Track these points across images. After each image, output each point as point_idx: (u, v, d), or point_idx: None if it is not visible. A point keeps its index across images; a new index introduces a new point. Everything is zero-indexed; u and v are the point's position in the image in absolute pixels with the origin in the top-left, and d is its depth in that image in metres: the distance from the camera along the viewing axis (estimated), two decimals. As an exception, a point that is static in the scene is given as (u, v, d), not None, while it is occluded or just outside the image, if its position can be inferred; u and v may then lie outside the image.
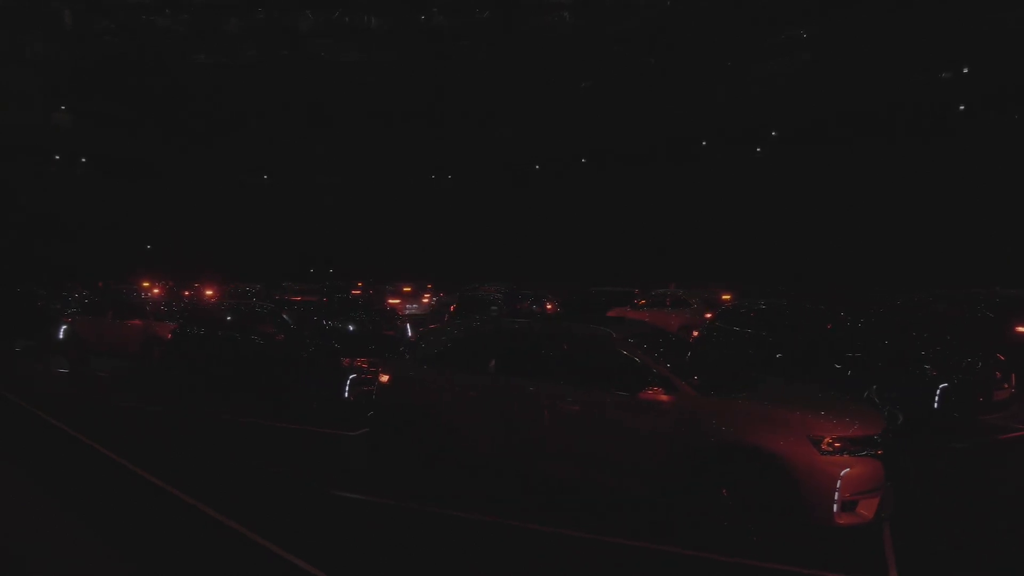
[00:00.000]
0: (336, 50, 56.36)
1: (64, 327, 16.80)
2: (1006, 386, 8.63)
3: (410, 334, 17.31)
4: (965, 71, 38.27)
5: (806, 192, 36.86)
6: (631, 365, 5.47)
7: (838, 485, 4.75)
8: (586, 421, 5.52)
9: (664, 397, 5.25)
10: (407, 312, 22.45)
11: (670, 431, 5.21)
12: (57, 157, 52.36)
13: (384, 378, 6.60)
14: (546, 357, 5.93)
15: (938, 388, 8.20)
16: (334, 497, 6.20)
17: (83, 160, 53.21)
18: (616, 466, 5.41)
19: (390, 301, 23.14)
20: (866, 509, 4.86)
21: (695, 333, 12.26)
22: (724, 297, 16.95)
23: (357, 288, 36.43)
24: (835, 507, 4.76)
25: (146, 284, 33.20)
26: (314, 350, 9.43)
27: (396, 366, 6.65)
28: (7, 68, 49.48)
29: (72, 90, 52.13)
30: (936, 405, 8.15)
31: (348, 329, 14.63)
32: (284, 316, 10.06)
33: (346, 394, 9.00)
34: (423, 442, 6.21)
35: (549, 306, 16.73)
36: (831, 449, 4.86)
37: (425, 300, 24.94)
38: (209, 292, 28.82)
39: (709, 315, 16.48)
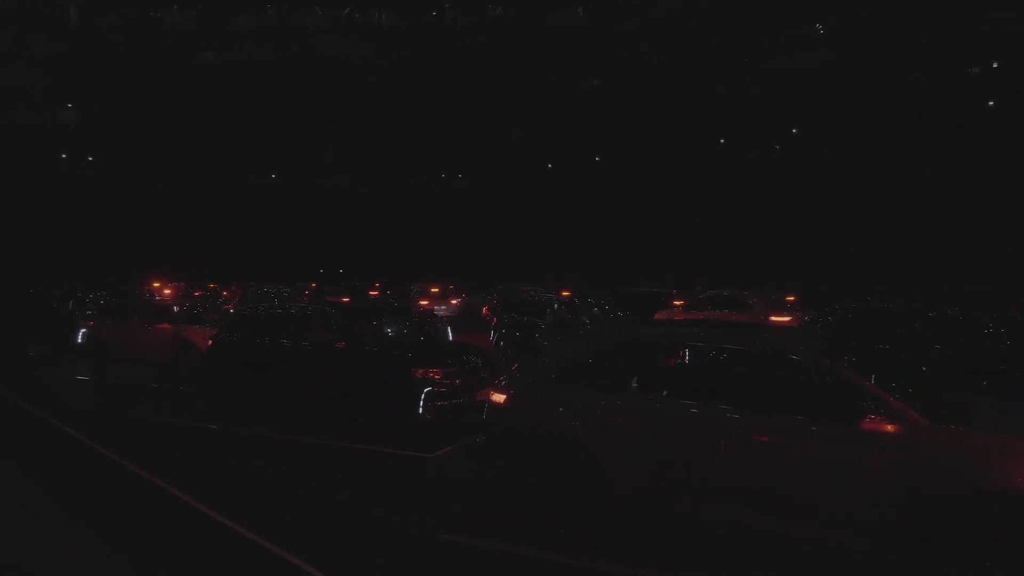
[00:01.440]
0: (346, 48, 55.31)
1: (83, 331, 15.76)
2: None
3: (451, 337, 16.24)
4: (995, 66, 37.53)
5: (824, 191, 35.91)
6: (841, 386, 4.38)
7: None
8: (780, 456, 4.43)
9: (889, 428, 4.16)
10: (437, 314, 21.31)
11: (896, 470, 4.13)
12: (63, 156, 51.35)
13: (499, 397, 5.51)
14: (713, 374, 4.85)
15: None
16: (448, 544, 5.11)
17: (89, 159, 52.22)
18: (820, 513, 4.32)
19: (419, 303, 22.05)
20: None
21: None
22: (789, 299, 15.85)
23: (375, 289, 35.40)
24: None
25: (156, 284, 32.16)
26: (381, 359, 8.34)
27: (515, 384, 5.55)
28: (11, 66, 48.47)
29: (78, 88, 51.13)
30: None
31: (387, 333, 13.58)
32: (346, 321, 8.96)
33: (421, 410, 7.91)
34: (553, 476, 5.12)
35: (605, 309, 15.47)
36: None
37: (454, 302, 23.76)
38: (225, 293, 27.74)
39: (774, 318, 15.43)
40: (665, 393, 4.95)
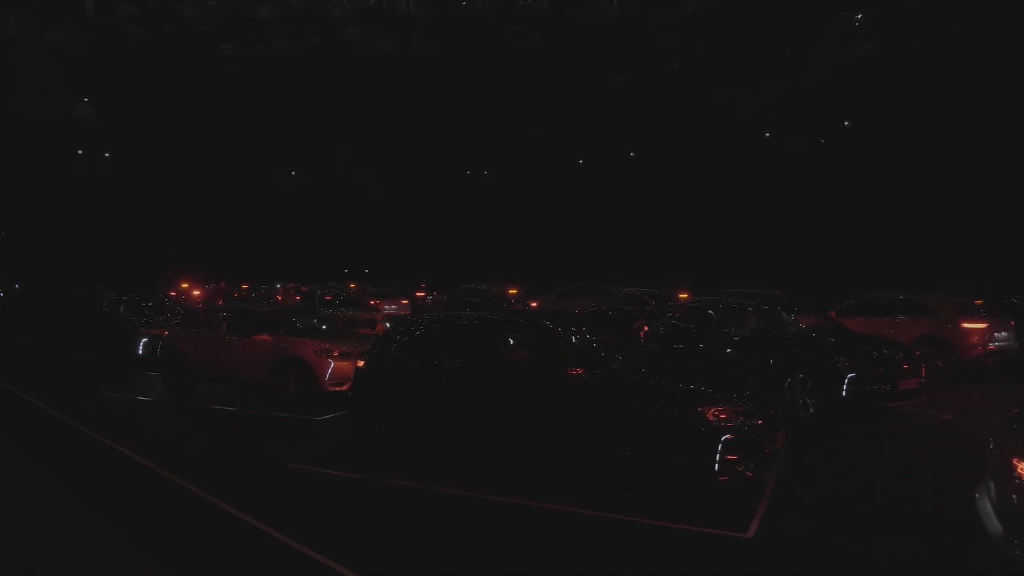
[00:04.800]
0: (371, 39, 53.07)
1: (144, 340, 13.45)
2: None
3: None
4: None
5: (868, 187, 33.40)
6: None
7: None
8: None
9: None
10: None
11: None
12: (80, 152, 49.22)
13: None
14: None
15: None
16: None
17: (106, 155, 50.12)
18: None
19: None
20: None
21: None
22: (976, 303, 13.49)
23: (421, 289, 33.03)
24: None
25: (184, 285, 30.08)
26: (652, 394, 5.91)
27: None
28: (27, 58, 46.30)
29: (94, 82, 49.01)
30: None
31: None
32: (573, 337, 6.53)
33: (717, 467, 5.50)
34: None
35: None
36: None
37: (534, 305, 21.20)
38: (280, 297, 25.43)
39: (966, 324, 13.05)
40: None
